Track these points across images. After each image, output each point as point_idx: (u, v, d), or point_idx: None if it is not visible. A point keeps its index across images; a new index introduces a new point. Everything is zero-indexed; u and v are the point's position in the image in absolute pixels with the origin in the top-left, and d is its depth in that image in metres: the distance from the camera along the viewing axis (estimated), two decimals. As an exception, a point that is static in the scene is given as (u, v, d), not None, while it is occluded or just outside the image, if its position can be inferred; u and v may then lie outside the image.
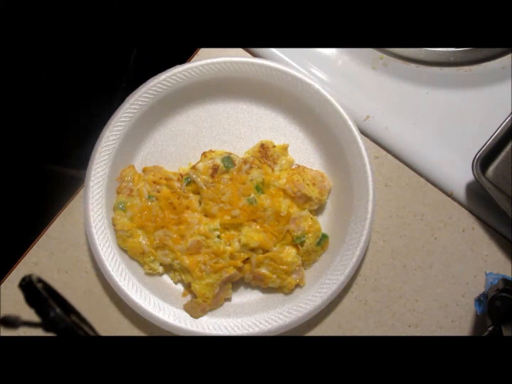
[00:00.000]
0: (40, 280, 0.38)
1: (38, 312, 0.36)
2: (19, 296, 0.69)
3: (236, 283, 0.66)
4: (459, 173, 0.68)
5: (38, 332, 0.38)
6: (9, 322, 0.35)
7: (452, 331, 0.66)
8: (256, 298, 0.66)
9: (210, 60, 0.68)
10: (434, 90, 0.71)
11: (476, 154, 0.64)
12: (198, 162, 0.65)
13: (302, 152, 0.70)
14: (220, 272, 0.63)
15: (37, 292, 0.37)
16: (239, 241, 0.64)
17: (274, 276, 0.64)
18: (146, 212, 0.65)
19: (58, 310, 0.36)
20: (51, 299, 0.37)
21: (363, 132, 0.69)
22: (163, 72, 0.68)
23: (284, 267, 0.64)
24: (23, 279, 0.37)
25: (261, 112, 0.71)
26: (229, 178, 0.65)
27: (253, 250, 0.64)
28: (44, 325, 0.36)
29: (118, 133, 0.67)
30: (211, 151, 0.67)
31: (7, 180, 0.84)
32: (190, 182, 0.66)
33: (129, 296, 0.63)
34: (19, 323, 0.35)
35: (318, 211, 0.68)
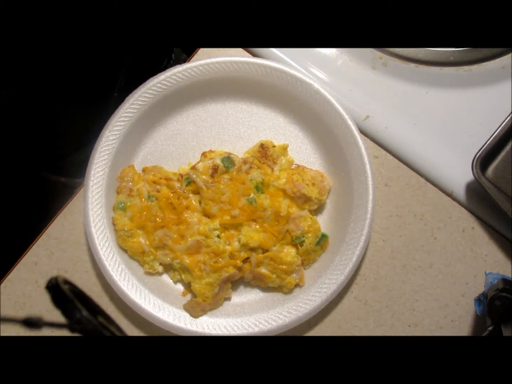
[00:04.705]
0: (66, 282, 0.38)
1: (64, 313, 0.36)
2: (19, 296, 0.69)
3: (235, 282, 0.66)
4: (459, 173, 0.68)
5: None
6: (32, 323, 0.35)
7: (452, 331, 0.66)
8: (255, 298, 0.66)
9: (210, 60, 0.68)
10: (434, 90, 0.71)
11: (476, 154, 0.64)
12: (198, 162, 0.65)
13: (302, 152, 0.70)
14: (220, 271, 0.63)
15: (63, 294, 0.36)
16: (239, 240, 0.64)
17: (274, 275, 0.64)
18: (146, 212, 0.65)
19: (84, 312, 0.36)
20: (78, 301, 0.37)
21: (363, 132, 0.69)
22: (163, 72, 0.68)
23: (284, 266, 0.64)
24: (50, 281, 0.37)
25: (261, 112, 0.71)
26: (229, 178, 0.65)
27: (252, 249, 0.64)
28: (70, 326, 0.36)
29: (118, 133, 0.67)
30: (211, 151, 0.67)
31: (7, 181, 0.84)
32: (190, 182, 0.66)
33: (129, 296, 0.63)
34: (42, 324, 0.35)
35: (317, 211, 0.68)
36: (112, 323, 0.41)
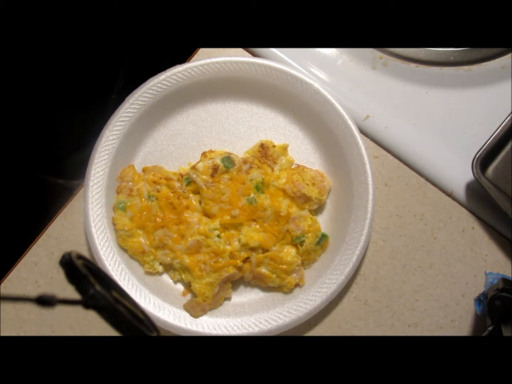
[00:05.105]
0: (80, 257, 0.37)
1: (78, 289, 0.35)
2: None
3: (236, 282, 0.66)
4: (459, 173, 0.68)
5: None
6: (46, 301, 0.34)
7: (452, 330, 0.66)
8: (256, 298, 0.66)
9: (210, 60, 0.68)
10: (434, 90, 0.71)
11: (476, 154, 0.64)
12: (198, 162, 0.65)
13: (302, 151, 0.70)
14: (220, 271, 0.63)
15: (77, 269, 0.35)
16: (239, 240, 0.64)
17: (274, 275, 0.64)
18: (146, 212, 0.65)
19: (98, 287, 0.35)
20: (92, 276, 0.36)
21: (363, 132, 0.69)
22: (163, 72, 0.68)
23: (284, 266, 0.64)
24: (63, 257, 0.36)
25: (261, 112, 0.71)
26: (229, 178, 0.65)
27: (253, 249, 0.64)
28: (84, 302, 0.35)
29: (118, 133, 0.67)
30: (211, 151, 0.67)
31: (7, 181, 0.84)
32: (190, 182, 0.66)
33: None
34: (56, 301, 0.34)
35: (318, 210, 0.68)
36: (126, 297, 0.40)
